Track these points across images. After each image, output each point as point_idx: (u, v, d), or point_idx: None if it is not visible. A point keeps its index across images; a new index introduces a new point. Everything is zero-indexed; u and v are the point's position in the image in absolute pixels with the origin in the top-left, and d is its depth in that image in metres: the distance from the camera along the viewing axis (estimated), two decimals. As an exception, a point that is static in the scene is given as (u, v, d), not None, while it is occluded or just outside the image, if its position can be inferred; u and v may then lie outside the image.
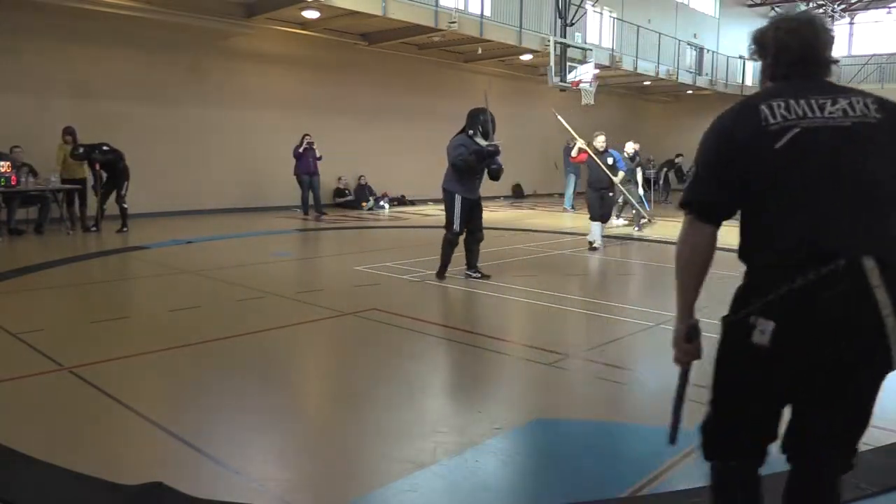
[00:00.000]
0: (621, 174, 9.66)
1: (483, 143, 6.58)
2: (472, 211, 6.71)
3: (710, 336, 1.87)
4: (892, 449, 2.99)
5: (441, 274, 6.77)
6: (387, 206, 15.75)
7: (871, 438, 3.09)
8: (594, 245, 9.26)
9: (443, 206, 6.86)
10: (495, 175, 6.81)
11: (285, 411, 3.50)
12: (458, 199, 6.58)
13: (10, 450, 2.80)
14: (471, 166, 6.48)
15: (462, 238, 6.80)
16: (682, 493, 2.59)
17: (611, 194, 9.52)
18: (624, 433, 3.27)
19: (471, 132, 6.61)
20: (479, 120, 6.62)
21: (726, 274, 6.73)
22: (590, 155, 9.39)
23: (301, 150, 13.10)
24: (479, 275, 6.87)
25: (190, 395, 3.66)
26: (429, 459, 2.83)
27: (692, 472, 2.83)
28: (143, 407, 3.38)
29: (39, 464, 2.70)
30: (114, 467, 2.72)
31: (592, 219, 9.35)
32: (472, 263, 6.91)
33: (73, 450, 2.89)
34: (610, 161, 9.53)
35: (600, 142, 9.59)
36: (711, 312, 1.99)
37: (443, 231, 6.80)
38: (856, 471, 2.74)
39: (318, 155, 13.23)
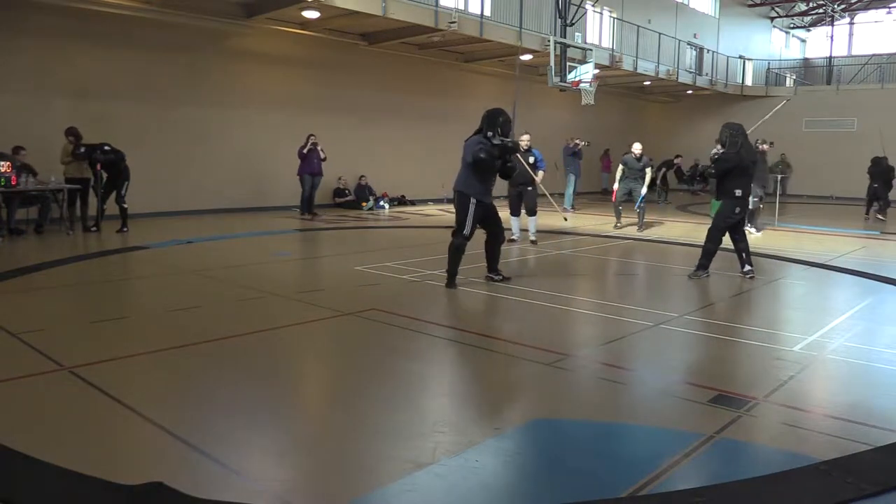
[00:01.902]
0: (541, 174, 9.90)
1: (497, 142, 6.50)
2: (486, 215, 6.55)
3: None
4: (892, 449, 2.99)
5: (451, 283, 6.49)
6: (387, 206, 15.74)
7: (871, 438, 3.10)
8: (512, 237, 9.69)
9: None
10: (510, 173, 6.76)
11: (285, 411, 3.50)
12: (472, 202, 6.40)
13: (10, 450, 2.80)
14: (494, 161, 6.35)
15: (484, 241, 6.73)
16: (682, 493, 2.59)
17: (529, 189, 9.77)
18: (624, 433, 3.27)
19: (489, 133, 6.43)
20: (497, 121, 6.44)
21: (736, 275, 6.71)
22: None
23: (306, 150, 13.09)
24: (501, 277, 6.78)
25: (190, 395, 3.66)
26: (429, 459, 2.83)
27: (692, 472, 2.83)
28: (143, 407, 3.37)
29: (39, 464, 2.70)
30: (114, 467, 2.72)
31: (511, 214, 9.92)
32: (493, 266, 6.79)
33: (73, 450, 2.89)
34: (531, 160, 9.75)
35: (525, 140, 9.79)
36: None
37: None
38: (856, 471, 2.76)
39: (322, 156, 13.20)
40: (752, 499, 2.58)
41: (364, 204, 15.23)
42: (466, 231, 6.44)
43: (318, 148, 13.13)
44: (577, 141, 16.33)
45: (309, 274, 8.01)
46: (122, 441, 3.07)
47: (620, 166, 12.10)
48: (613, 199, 12.35)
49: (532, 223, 9.92)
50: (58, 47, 11.29)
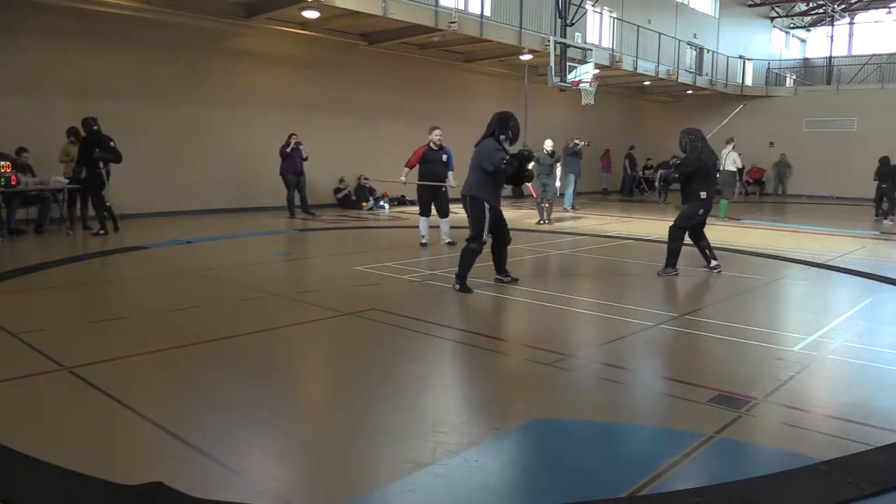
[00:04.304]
0: (450, 175, 9.28)
1: (509, 146, 6.45)
2: (497, 218, 6.50)
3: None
4: (892, 449, 2.99)
5: (464, 286, 6.40)
6: (387, 206, 15.75)
7: (871, 438, 3.09)
8: (423, 241, 9.35)
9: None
10: (527, 180, 6.67)
11: (285, 411, 3.50)
12: (487, 207, 6.33)
13: (10, 450, 2.80)
14: (513, 170, 6.30)
15: (491, 244, 6.63)
16: (682, 493, 2.59)
17: (443, 189, 9.22)
18: (624, 433, 3.27)
19: (502, 137, 6.36)
20: (508, 125, 6.38)
21: (736, 275, 6.78)
22: (426, 150, 9.14)
23: (289, 149, 13.03)
24: (511, 278, 6.76)
25: (190, 395, 3.66)
26: (429, 459, 2.83)
27: (692, 472, 2.83)
28: (144, 407, 3.37)
29: (39, 464, 2.70)
30: (114, 467, 2.72)
31: (421, 214, 9.45)
32: (502, 268, 6.76)
33: (73, 450, 2.89)
34: (444, 158, 9.20)
35: (436, 136, 9.21)
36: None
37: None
38: (856, 471, 2.76)
39: (304, 155, 13.14)
40: (752, 499, 2.57)
41: (364, 204, 15.24)
42: (484, 238, 6.39)
43: (301, 147, 13.07)
44: (577, 141, 16.33)
45: (309, 274, 8.01)
46: (122, 441, 3.07)
47: (532, 163, 12.40)
48: (535, 196, 12.55)
49: (445, 224, 9.41)
50: (58, 47, 11.30)
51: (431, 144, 9.24)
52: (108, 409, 3.38)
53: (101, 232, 9.85)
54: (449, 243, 9.34)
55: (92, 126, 9.71)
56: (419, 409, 3.53)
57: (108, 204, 9.94)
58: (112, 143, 9.82)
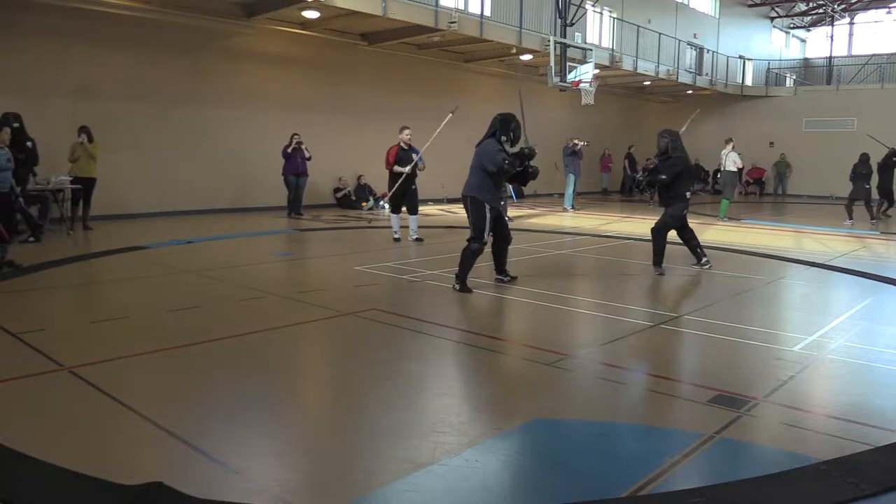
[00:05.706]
0: (416, 157, 9.67)
1: (510, 148, 6.45)
2: (497, 219, 6.51)
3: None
4: (892, 449, 2.99)
5: (464, 286, 6.38)
6: (386, 206, 15.72)
7: (871, 438, 3.09)
8: (395, 236, 9.86)
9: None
10: (532, 178, 6.69)
11: (285, 411, 3.50)
12: (487, 208, 6.34)
13: (10, 450, 2.80)
14: (514, 170, 6.31)
15: (492, 244, 6.65)
16: (682, 493, 2.59)
17: (413, 187, 9.69)
18: (624, 433, 3.27)
19: (503, 138, 6.37)
20: (510, 127, 6.39)
21: (736, 275, 6.78)
22: (399, 149, 9.53)
23: (290, 149, 13.03)
24: (510, 277, 6.78)
25: (190, 395, 3.65)
26: (429, 459, 2.83)
27: (692, 472, 2.83)
28: (144, 407, 3.38)
29: (39, 464, 2.70)
30: (114, 467, 2.72)
31: (392, 212, 10.01)
32: (501, 268, 6.78)
33: (73, 450, 2.89)
34: (415, 157, 9.59)
35: (406, 135, 9.65)
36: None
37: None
38: (856, 471, 2.76)
39: (307, 155, 13.15)
40: (752, 499, 2.58)
41: (364, 204, 15.24)
42: (485, 238, 6.40)
43: (303, 147, 13.08)
44: (577, 141, 16.34)
45: (309, 274, 8.01)
46: (122, 441, 3.07)
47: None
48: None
49: (414, 222, 9.79)
50: (58, 47, 11.28)
51: (402, 144, 9.59)
52: (108, 409, 3.38)
53: (30, 239, 8.76)
54: (416, 240, 9.68)
55: (11, 123, 8.81)
56: (419, 409, 3.53)
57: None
58: (29, 144, 9.11)
